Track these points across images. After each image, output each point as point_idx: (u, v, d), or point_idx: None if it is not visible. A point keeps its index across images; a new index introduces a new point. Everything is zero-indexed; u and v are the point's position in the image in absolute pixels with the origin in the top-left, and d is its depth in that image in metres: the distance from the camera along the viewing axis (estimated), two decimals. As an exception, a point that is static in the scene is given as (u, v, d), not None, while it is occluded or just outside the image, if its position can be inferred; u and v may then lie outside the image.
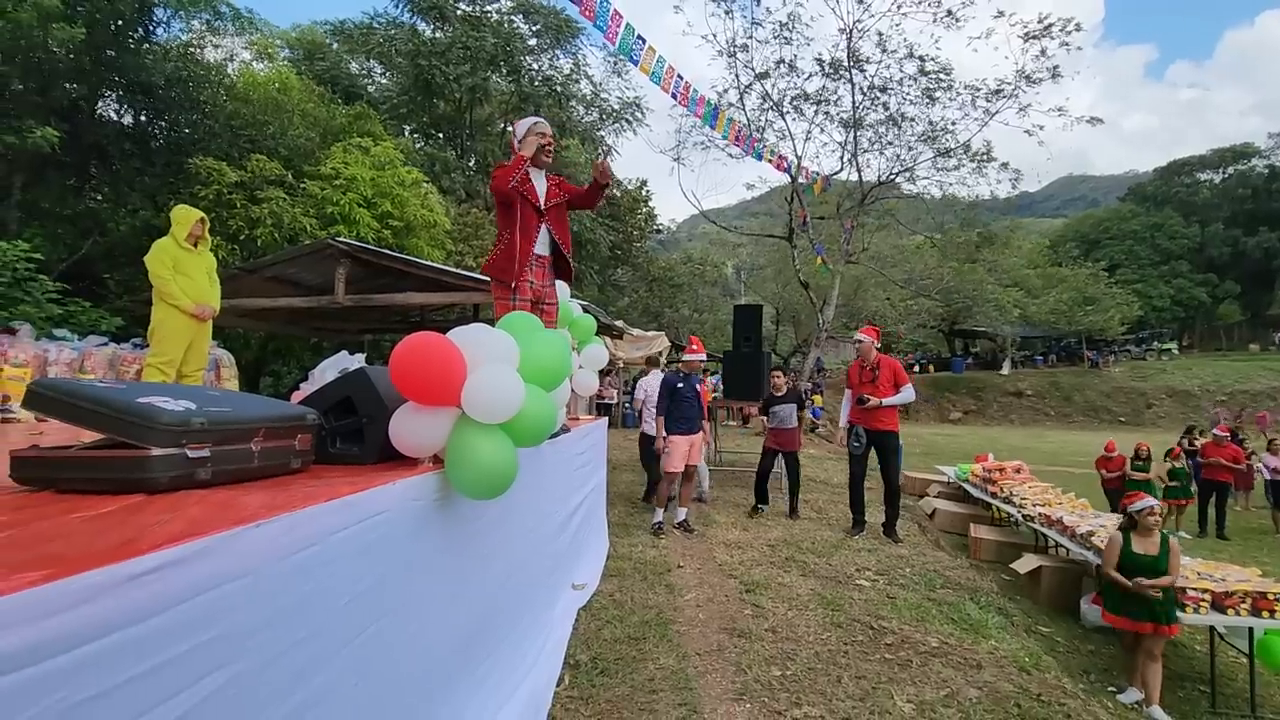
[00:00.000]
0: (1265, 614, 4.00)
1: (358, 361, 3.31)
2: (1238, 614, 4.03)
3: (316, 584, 1.27)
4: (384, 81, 21.16)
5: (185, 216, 4.63)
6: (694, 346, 6.46)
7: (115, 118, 12.19)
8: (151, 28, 12.15)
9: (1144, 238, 46.49)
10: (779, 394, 6.77)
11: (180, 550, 0.96)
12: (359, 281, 8.02)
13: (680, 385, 5.96)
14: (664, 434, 5.83)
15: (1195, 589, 4.08)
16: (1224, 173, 50.66)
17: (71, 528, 1.09)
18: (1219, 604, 4.05)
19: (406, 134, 19.47)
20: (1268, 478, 9.90)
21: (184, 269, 4.51)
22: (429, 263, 8.84)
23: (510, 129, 3.49)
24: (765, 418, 6.94)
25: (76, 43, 9.36)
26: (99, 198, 11.72)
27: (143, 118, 12.13)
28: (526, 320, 2.39)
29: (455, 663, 2.00)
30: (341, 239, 8.03)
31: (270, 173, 10.51)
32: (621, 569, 4.55)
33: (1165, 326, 42.65)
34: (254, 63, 15.85)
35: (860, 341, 6.10)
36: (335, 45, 19.91)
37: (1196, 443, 10.98)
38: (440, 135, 21.10)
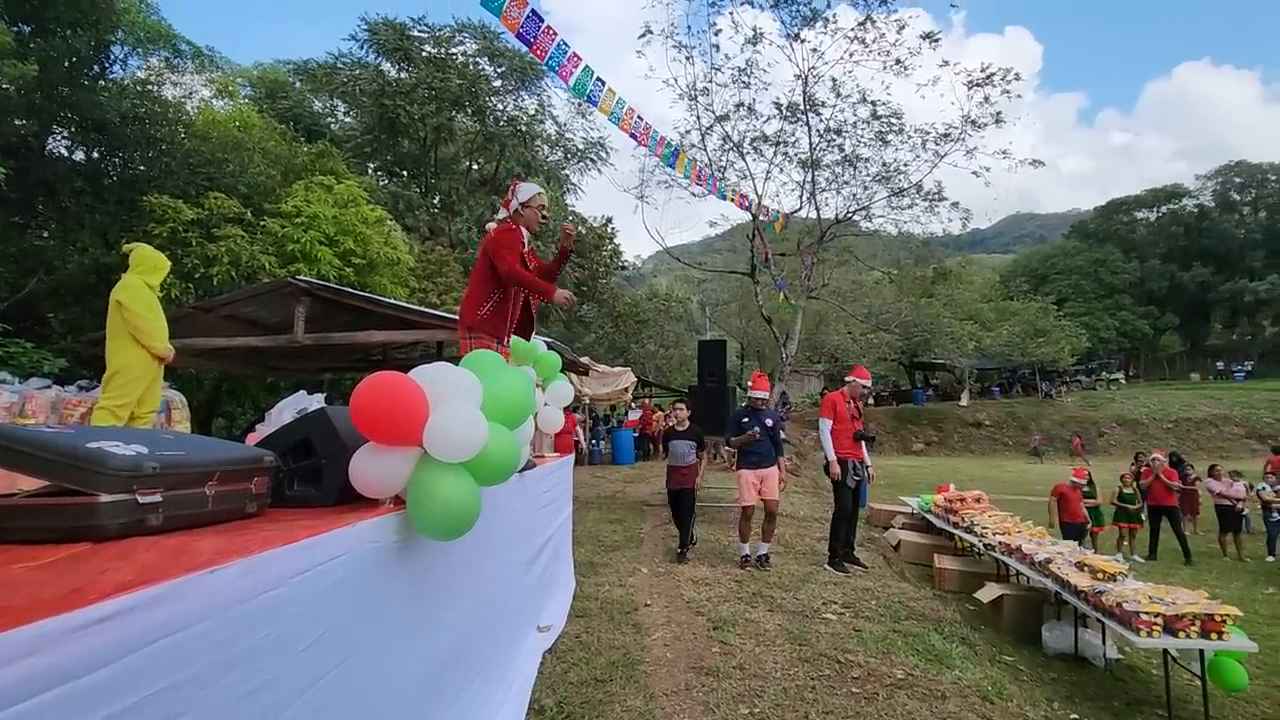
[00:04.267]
0: (1214, 635, 4.11)
1: (316, 401, 3.26)
2: (1188, 636, 4.13)
3: (275, 629, 1.25)
4: (348, 120, 21.20)
5: (161, 264, 4.62)
6: (757, 383, 6.41)
7: (66, 154, 11.95)
8: (108, 65, 12.03)
9: (1088, 272, 48.69)
10: (681, 429, 6.57)
11: (132, 598, 0.94)
12: (319, 320, 7.91)
13: (746, 420, 6.07)
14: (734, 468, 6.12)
15: (1148, 613, 4.19)
16: (1158, 211, 53.67)
17: (16, 577, 1.05)
18: (1170, 627, 4.16)
19: (370, 172, 19.47)
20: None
21: (154, 311, 4.46)
22: (392, 300, 8.79)
23: (512, 187, 3.56)
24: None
25: (28, 79, 9.20)
26: (46, 235, 11.39)
27: (95, 154, 11.90)
28: (490, 358, 2.40)
29: (419, 708, 1.95)
30: (302, 277, 7.94)
31: (228, 210, 10.37)
32: (588, 609, 4.48)
33: (1112, 357, 44.46)
34: (214, 100, 15.75)
35: (864, 383, 6.65)
36: (298, 84, 19.93)
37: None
38: (405, 173, 21.14)
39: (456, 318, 3.52)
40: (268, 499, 1.78)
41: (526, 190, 3.46)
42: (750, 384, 6.49)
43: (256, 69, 20.24)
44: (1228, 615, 4.14)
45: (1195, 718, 4.21)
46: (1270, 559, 9.69)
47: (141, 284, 4.44)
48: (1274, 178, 49.62)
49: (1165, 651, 4.30)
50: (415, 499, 1.83)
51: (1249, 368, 40.73)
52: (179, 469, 1.46)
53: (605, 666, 3.48)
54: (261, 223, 10.64)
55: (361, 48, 19.64)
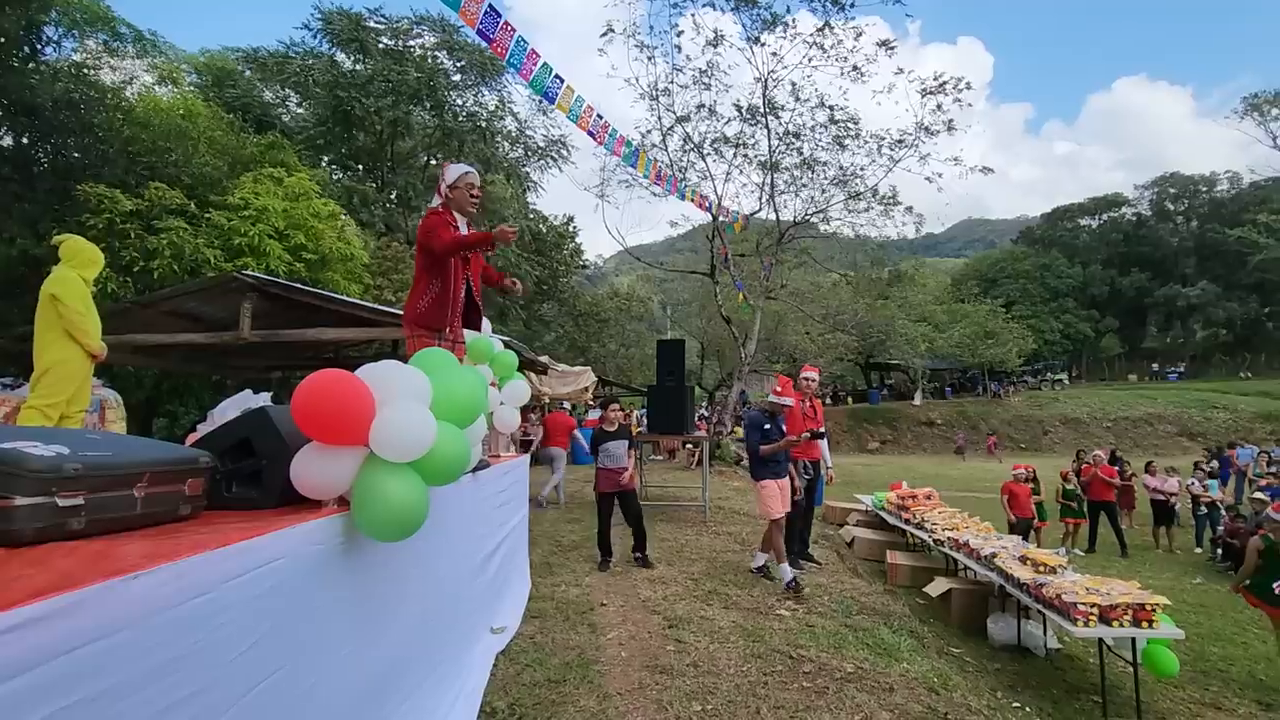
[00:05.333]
0: (1145, 624, 4.32)
1: (263, 400, 3.15)
2: (1122, 625, 4.33)
3: (205, 636, 1.20)
4: (300, 111, 20.57)
5: (96, 258, 4.39)
6: (786, 388, 5.90)
7: (-6, 140, 11.33)
8: (40, 46, 11.43)
9: (1035, 277, 50.55)
10: (610, 429, 6.17)
11: (45, 606, 0.90)
12: (267, 316, 7.66)
13: (768, 426, 5.64)
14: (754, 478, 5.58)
15: (1084, 604, 4.36)
16: (1100, 219, 56.06)
17: (-85, 587, 0.99)
18: (1105, 617, 4.34)
19: (323, 165, 18.93)
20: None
21: (90, 306, 4.25)
22: (344, 297, 8.56)
23: (439, 170, 3.44)
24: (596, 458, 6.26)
25: (-50, 60, 8.69)
26: (-30, 225, 10.77)
27: (25, 140, 11.29)
28: (440, 357, 2.36)
29: (364, 713, 1.90)
30: (249, 272, 7.68)
31: (170, 201, 9.95)
32: (543, 610, 4.45)
33: (1056, 359, 46.18)
34: (156, 87, 15.09)
35: (810, 380, 6.58)
36: (248, 73, 19.25)
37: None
38: (360, 167, 20.64)
39: None
40: (203, 501, 1.71)
41: (454, 171, 3.35)
42: (778, 388, 5.86)
43: (203, 55, 19.45)
44: (1157, 604, 4.35)
45: (1127, 703, 4.41)
46: (1198, 550, 10.22)
47: (76, 278, 4.23)
48: (1204, 189, 52.32)
49: (1100, 640, 4.49)
50: (360, 500, 1.79)
51: (1181, 369, 42.86)
52: (104, 470, 1.39)
53: (559, 667, 3.46)
54: (206, 215, 10.24)
55: (315, 37, 19.07)
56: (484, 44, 6.52)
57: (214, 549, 1.28)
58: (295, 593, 1.53)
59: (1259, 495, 8.46)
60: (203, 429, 3.22)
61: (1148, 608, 4.33)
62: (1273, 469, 12.91)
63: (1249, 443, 17.51)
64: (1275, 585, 5.15)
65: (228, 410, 3.12)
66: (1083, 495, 10.38)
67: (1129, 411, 30.77)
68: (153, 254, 9.29)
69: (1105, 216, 55.78)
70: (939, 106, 16.56)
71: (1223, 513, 10.14)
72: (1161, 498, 10.66)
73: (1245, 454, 14.70)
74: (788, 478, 5.69)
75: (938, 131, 16.76)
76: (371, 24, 19.24)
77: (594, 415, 19.96)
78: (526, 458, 5.41)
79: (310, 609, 1.60)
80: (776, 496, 5.45)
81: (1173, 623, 4.44)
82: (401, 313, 7.81)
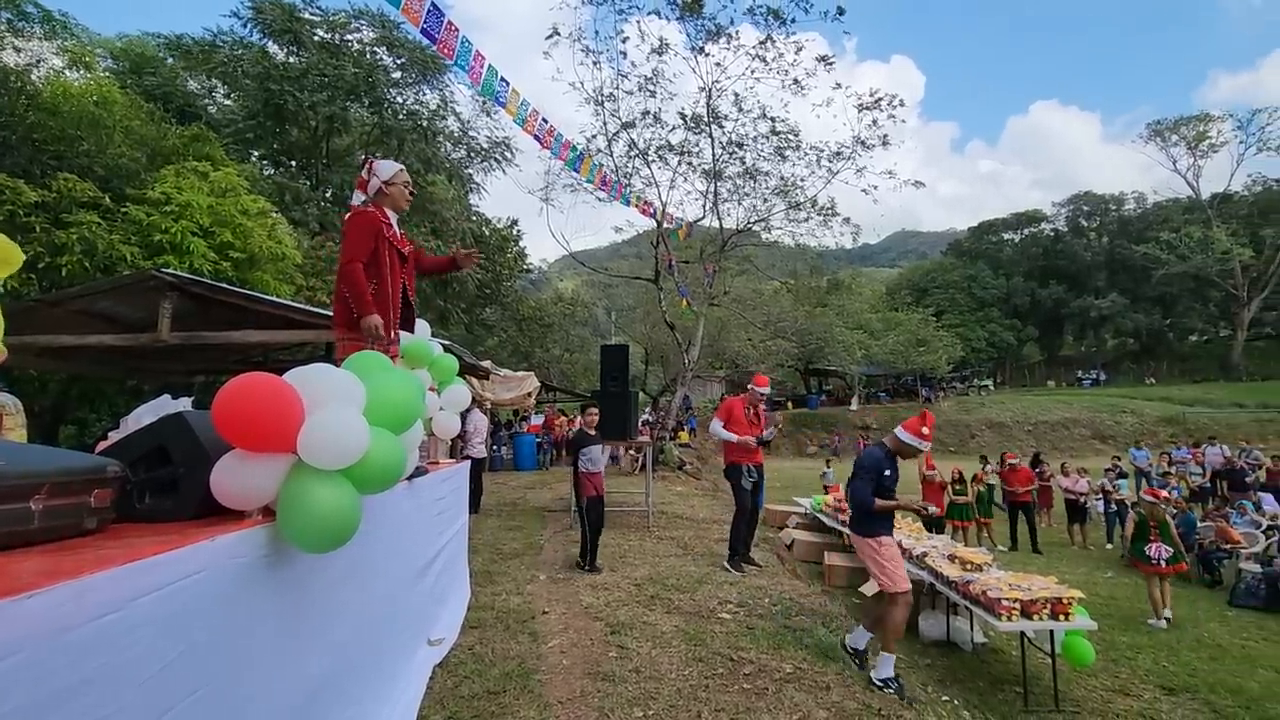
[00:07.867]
0: (1062, 617, 4.56)
1: (183, 405, 2.99)
2: (1041, 619, 4.56)
3: (111, 658, 1.12)
4: (228, 103, 19.65)
5: (14, 257, 3.99)
6: (925, 429, 4.28)
7: (-122, 122, 10.39)
8: (-66, 24, 10.57)
9: (963, 287, 53.03)
10: (591, 433, 6.18)
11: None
12: (189, 317, 7.27)
13: (888, 472, 4.26)
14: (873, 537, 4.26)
15: (1008, 599, 4.57)
16: (1021, 233, 59.24)
17: None
18: (1027, 611, 4.57)
19: (253, 160, 18.12)
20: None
21: None
22: (274, 298, 8.21)
23: (367, 166, 3.32)
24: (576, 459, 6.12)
25: None
26: None
27: (-84, 124, 10.42)
28: (374, 360, 2.28)
29: (287, 736, 1.81)
30: (169, 270, 7.27)
31: (82, 194, 9.33)
32: (483, 619, 4.36)
33: (982, 365, 48.47)
34: (67, 71, 14.13)
35: (762, 394, 6.66)
36: (170, 60, 18.26)
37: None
38: (293, 164, 19.86)
39: None
40: (111, 513, 1.60)
41: (389, 168, 3.24)
42: (922, 428, 4.28)
43: (120, 40, 18.36)
44: (1073, 598, 4.60)
45: (1046, 692, 4.64)
46: (1109, 546, 10.87)
47: None
48: (1114, 208, 56.06)
49: (1022, 633, 4.71)
50: (287, 510, 1.70)
51: (1094, 376, 45.62)
52: (-4, 481, 1.28)
53: (499, 677, 3.39)
54: (123, 209, 9.64)
55: (245, 26, 18.24)
56: (429, 44, 6.38)
57: (122, 564, 1.19)
58: (216, 609, 1.44)
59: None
60: (115, 436, 3.02)
61: (1064, 601, 4.58)
62: (1173, 469, 13.93)
63: (1146, 445, 18.83)
64: (1145, 547, 6.85)
65: (143, 416, 2.93)
66: (989, 496, 11.04)
67: (1048, 415, 32.53)
68: (61, 249, 8.67)
69: (1026, 231, 59.01)
70: (874, 122, 17.17)
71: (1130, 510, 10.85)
72: (1074, 497, 11.32)
73: (1141, 455, 15.79)
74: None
75: (873, 146, 17.36)
76: (306, 16, 18.58)
77: (537, 420, 19.77)
78: (467, 464, 5.29)
79: (234, 625, 1.51)
80: (899, 561, 4.25)
81: (1087, 614, 4.71)
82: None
